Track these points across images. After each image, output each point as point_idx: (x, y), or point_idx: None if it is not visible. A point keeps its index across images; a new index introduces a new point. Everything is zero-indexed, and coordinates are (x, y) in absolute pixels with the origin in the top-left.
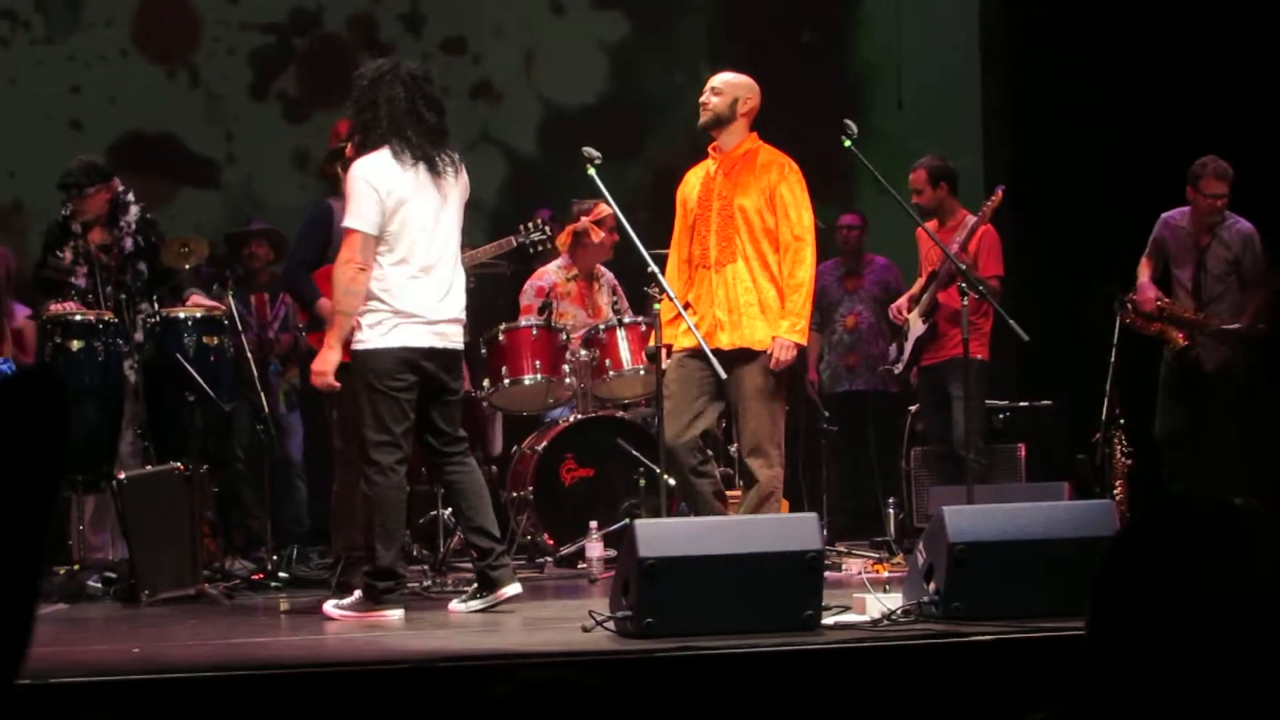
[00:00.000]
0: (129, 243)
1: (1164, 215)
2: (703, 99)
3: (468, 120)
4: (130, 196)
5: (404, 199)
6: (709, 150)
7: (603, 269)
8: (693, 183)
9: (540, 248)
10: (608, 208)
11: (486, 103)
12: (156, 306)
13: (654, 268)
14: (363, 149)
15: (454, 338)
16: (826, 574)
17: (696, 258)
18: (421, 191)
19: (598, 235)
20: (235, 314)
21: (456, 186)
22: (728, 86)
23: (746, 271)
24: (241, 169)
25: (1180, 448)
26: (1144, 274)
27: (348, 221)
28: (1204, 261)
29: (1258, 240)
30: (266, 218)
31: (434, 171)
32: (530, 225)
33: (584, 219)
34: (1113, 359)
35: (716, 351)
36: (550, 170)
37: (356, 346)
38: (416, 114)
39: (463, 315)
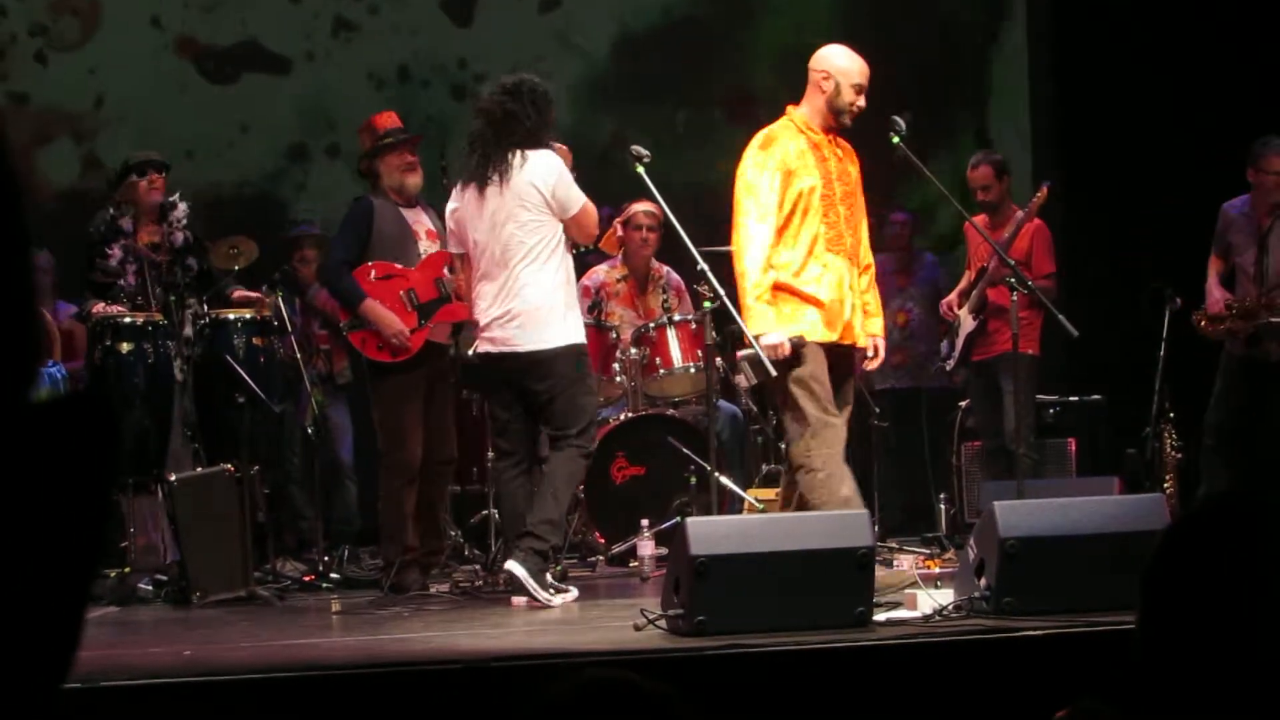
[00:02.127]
0: (179, 237)
1: (1224, 205)
2: (861, 102)
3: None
4: (178, 195)
5: (462, 219)
6: (821, 129)
7: (663, 269)
8: (805, 156)
9: (579, 249)
10: (638, 206)
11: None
12: (205, 308)
13: (703, 265)
14: None
15: (506, 341)
16: (878, 570)
17: (826, 239)
18: (472, 208)
19: (619, 233)
20: (284, 315)
21: (507, 189)
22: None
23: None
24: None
25: (1229, 439)
26: (1212, 275)
27: None
28: (1266, 244)
29: None
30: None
31: (481, 187)
32: None
33: (616, 221)
34: (1162, 353)
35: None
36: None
37: None
38: (476, 138)
39: (512, 312)
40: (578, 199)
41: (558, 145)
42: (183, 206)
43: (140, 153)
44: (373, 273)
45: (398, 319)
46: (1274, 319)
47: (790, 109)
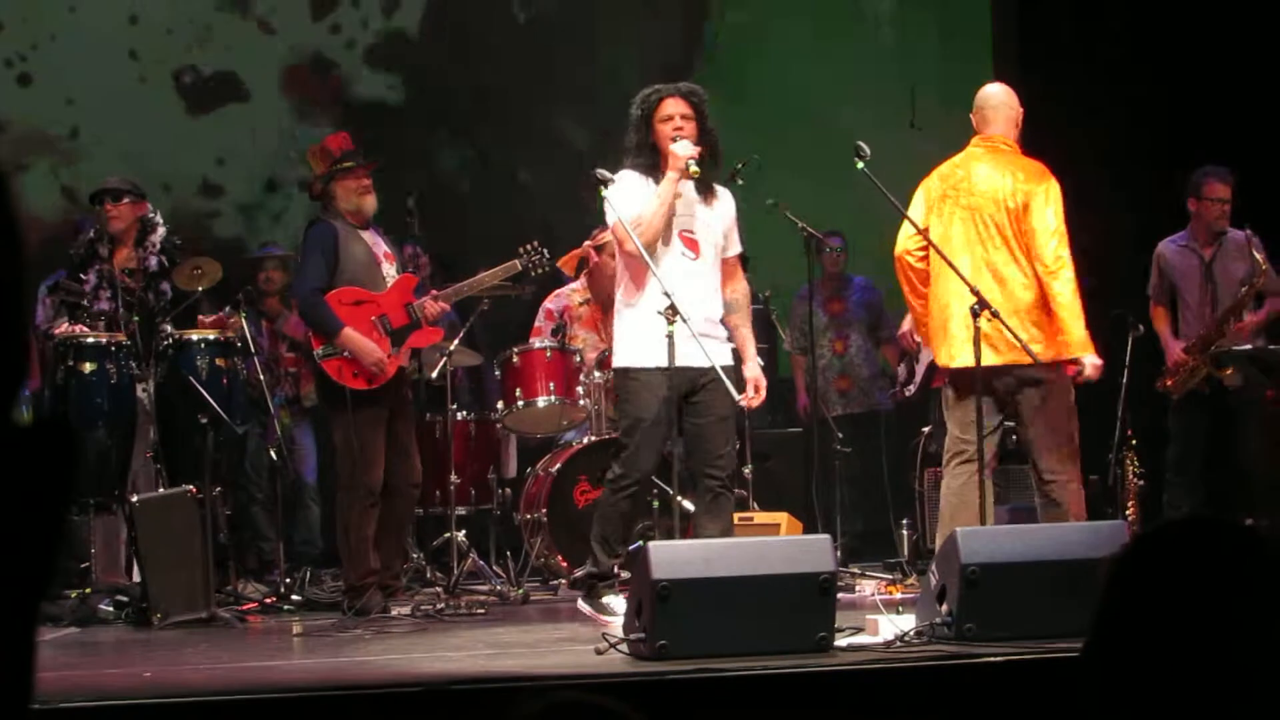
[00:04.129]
0: (153, 262)
1: (1159, 247)
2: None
3: None
4: (158, 218)
5: None
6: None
7: None
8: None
9: (539, 270)
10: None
11: None
12: (170, 328)
13: (667, 289)
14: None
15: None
16: (839, 595)
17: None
18: None
19: (594, 259)
20: (248, 336)
21: None
22: None
23: None
24: None
25: (1194, 471)
26: (1162, 327)
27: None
28: (1211, 275)
29: (1256, 243)
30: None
31: None
32: (529, 247)
33: (586, 244)
34: (1124, 380)
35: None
36: None
37: None
38: None
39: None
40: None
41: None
42: (161, 231)
43: (107, 181)
44: (344, 299)
45: (376, 347)
46: (1236, 347)
47: None
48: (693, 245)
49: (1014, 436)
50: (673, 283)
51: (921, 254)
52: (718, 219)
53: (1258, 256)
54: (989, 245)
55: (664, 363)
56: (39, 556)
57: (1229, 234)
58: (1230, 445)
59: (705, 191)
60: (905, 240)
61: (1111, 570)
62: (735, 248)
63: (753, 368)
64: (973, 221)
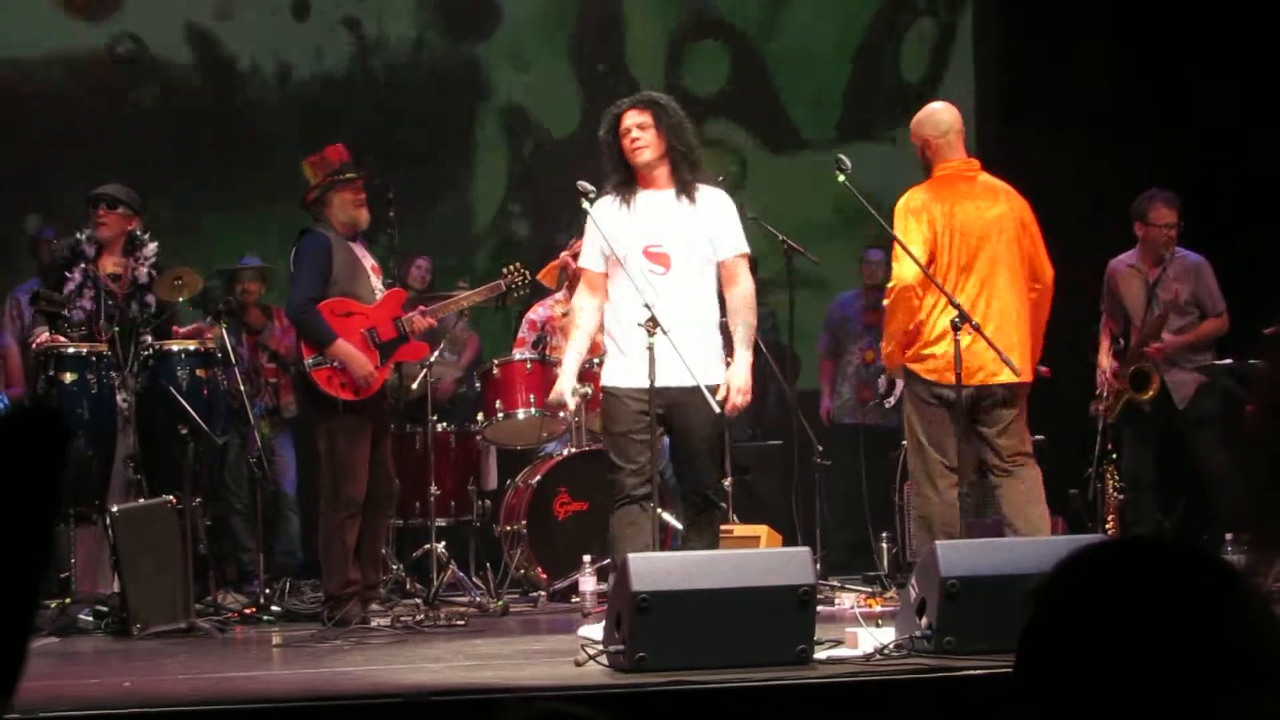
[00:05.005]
0: (143, 273)
1: (1111, 263)
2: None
3: None
4: (147, 236)
5: None
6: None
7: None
8: None
9: (521, 292)
10: None
11: None
12: (151, 338)
13: (647, 300)
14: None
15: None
16: (819, 608)
17: None
18: None
19: (573, 268)
20: (228, 347)
21: None
22: None
23: None
24: None
25: (1147, 487)
26: (1104, 344)
27: (747, 247)
28: (1154, 296)
29: (1208, 270)
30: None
31: None
32: (513, 269)
33: (564, 254)
34: (1104, 394)
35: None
36: None
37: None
38: None
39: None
40: None
41: None
42: (152, 246)
43: (106, 186)
44: (335, 310)
45: (367, 359)
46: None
47: None
48: (660, 259)
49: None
50: (622, 304)
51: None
52: (700, 224)
53: (1203, 281)
54: (993, 271)
55: (643, 382)
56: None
57: (1177, 255)
58: (1182, 459)
59: (684, 196)
60: (912, 272)
61: (1035, 593)
62: (731, 250)
63: (732, 370)
64: (969, 250)
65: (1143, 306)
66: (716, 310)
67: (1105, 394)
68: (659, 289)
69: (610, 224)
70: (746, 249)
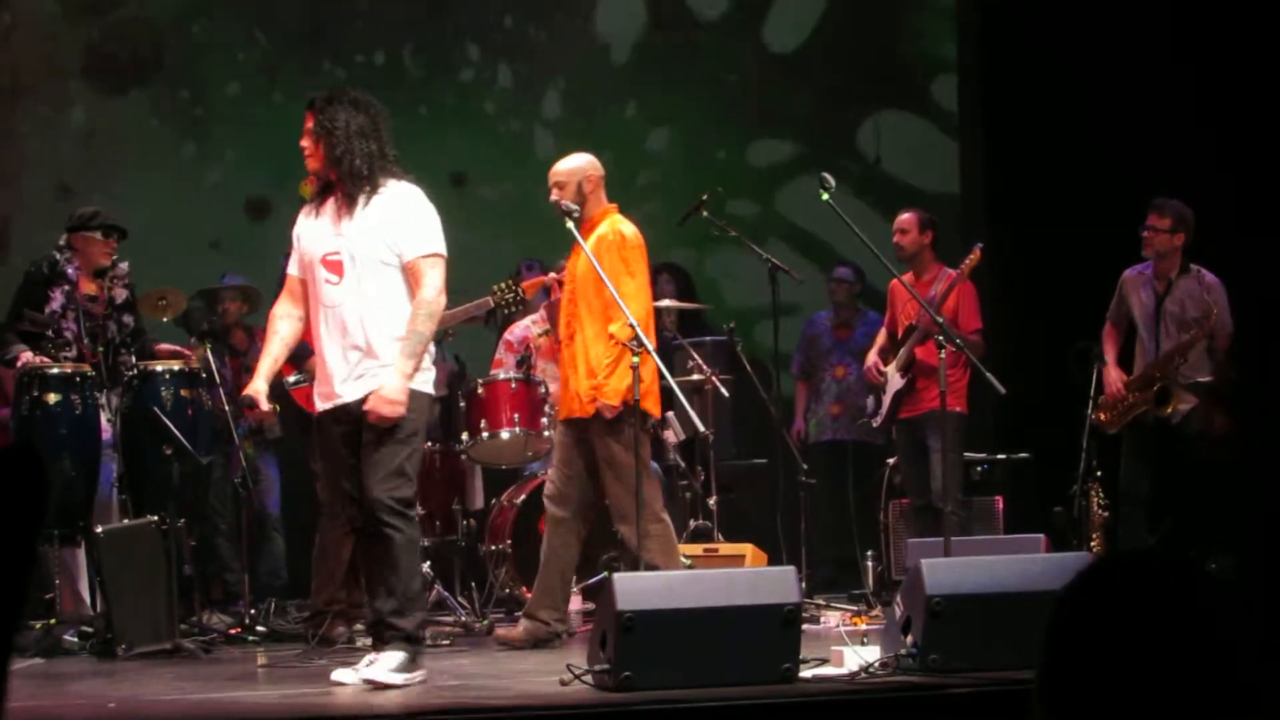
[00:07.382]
0: (120, 294)
1: (1125, 272)
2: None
3: None
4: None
5: None
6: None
7: None
8: None
9: (511, 310)
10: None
11: None
12: (134, 359)
13: (633, 321)
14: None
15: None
16: (805, 627)
17: None
18: None
19: (557, 293)
20: (212, 368)
21: None
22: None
23: None
24: None
25: (1143, 504)
26: (1108, 350)
27: (437, 246)
28: (1162, 310)
29: (1222, 293)
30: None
31: None
32: (504, 285)
33: (550, 274)
34: (1089, 411)
35: None
36: None
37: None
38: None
39: None
40: None
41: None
42: (125, 265)
43: (105, 213)
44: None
45: None
46: (1182, 381)
47: None
48: (334, 268)
49: (978, 468)
50: (316, 316)
51: None
52: (373, 228)
53: (1208, 299)
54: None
55: (324, 404)
56: (11, 581)
57: (1199, 274)
58: (1179, 475)
59: (357, 199)
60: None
61: (1056, 605)
62: (413, 251)
63: (383, 378)
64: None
65: (1151, 320)
66: (393, 318)
67: (1116, 405)
68: (330, 301)
69: (303, 234)
70: (432, 249)
